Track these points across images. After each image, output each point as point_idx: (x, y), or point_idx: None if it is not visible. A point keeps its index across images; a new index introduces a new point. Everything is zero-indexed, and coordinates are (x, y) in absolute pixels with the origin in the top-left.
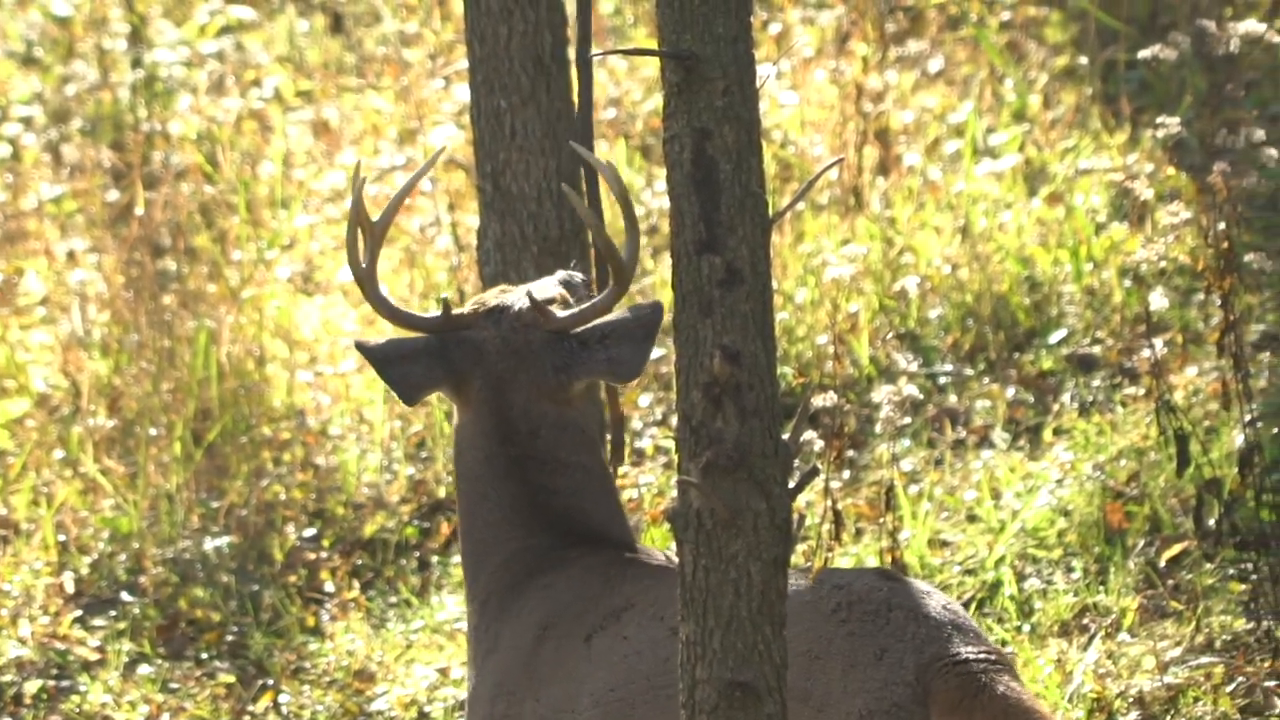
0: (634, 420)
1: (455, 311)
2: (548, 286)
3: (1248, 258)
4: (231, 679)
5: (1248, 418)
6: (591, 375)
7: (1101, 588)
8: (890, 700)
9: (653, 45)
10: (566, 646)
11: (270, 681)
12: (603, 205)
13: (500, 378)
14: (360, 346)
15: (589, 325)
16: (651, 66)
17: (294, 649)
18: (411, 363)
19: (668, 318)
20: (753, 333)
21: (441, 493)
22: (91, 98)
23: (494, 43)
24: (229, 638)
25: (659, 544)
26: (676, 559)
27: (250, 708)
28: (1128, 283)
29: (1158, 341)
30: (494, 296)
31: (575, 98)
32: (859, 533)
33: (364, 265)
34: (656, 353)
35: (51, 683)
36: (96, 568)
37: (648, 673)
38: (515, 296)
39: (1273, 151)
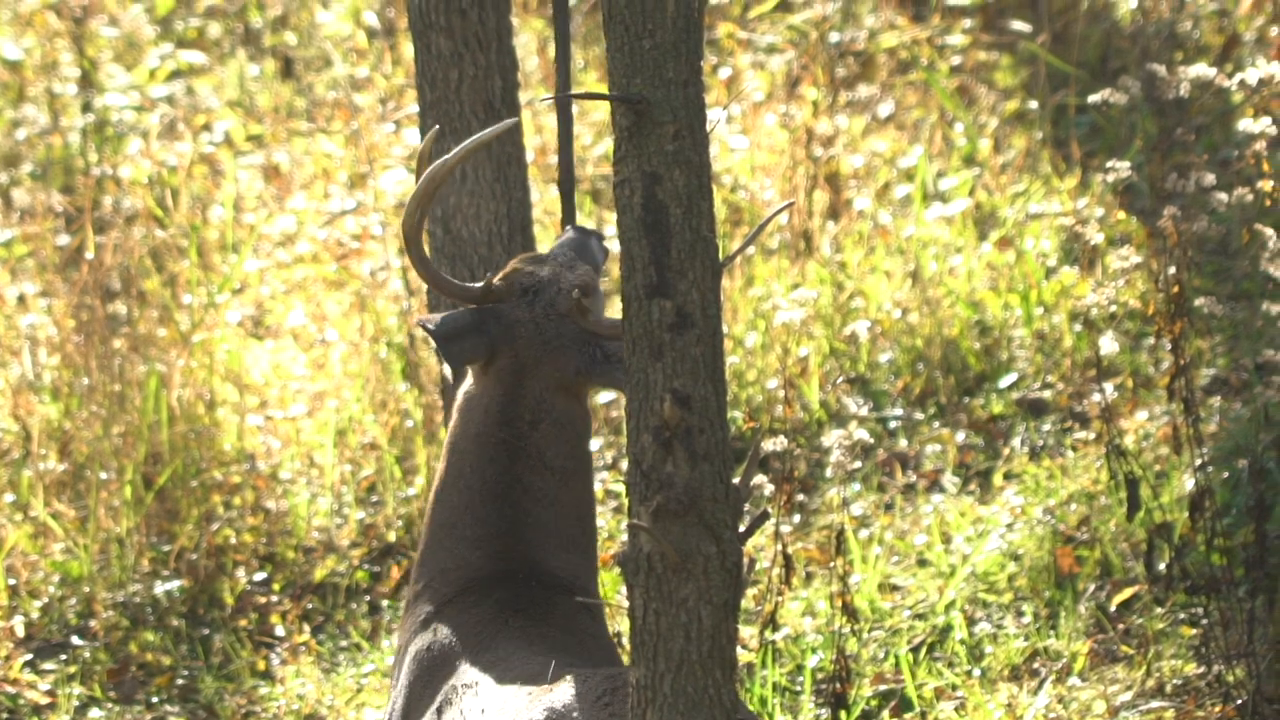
0: None
1: (495, 282)
2: (581, 275)
3: (1198, 302)
4: None
5: (1198, 462)
6: (607, 387)
7: (1052, 632)
8: None
9: (603, 89)
10: (424, 707)
11: None
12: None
13: (524, 361)
14: (423, 324)
15: (620, 339)
16: (602, 110)
17: (245, 693)
18: (463, 339)
19: None
20: (703, 377)
21: (392, 537)
22: (42, 142)
23: (444, 87)
24: (180, 682)
25: (609, 589)
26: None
27: None
28: (1078, 327)
29: (1108, 386)
30: (526, 266)
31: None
32: (809, 577)
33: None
34: (607, 396)
35: None
36: (47, 611)
37: None
38: (548, 274)
39: (1223, 196)
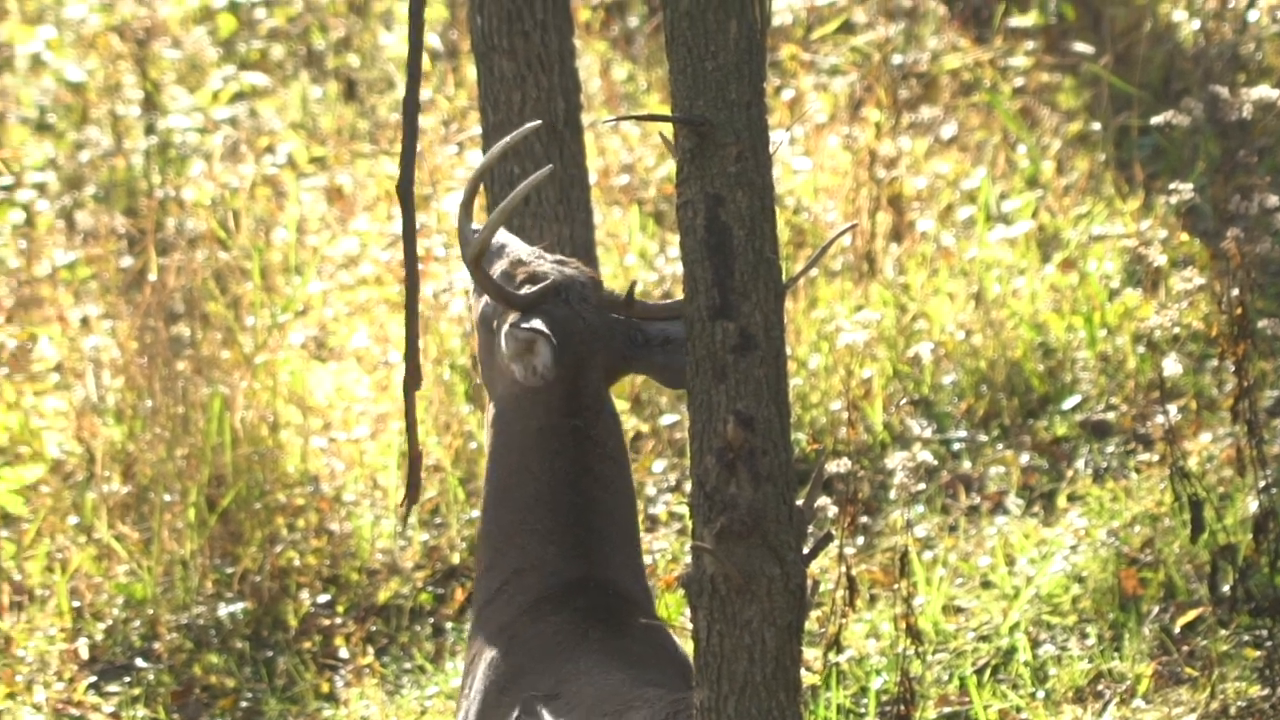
0: (648, 486)
1: (526, 290)
2: (576, 265)
3: (1261, 324)
4: None
5: (1262, 484)
6: (643, 372)
7: (1116, 654)
8: None
9: (666, 111)
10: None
11: None
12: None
13: (581, 356)
14: (536, 330)
15: (657, 325)
16: (665, 132)
17: (309, 715)
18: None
19: None
20: (766, 398)
21: (455, 559)
22: (105, 164)
23: (507, 109)
24: (243, 704)
25: (672, 611)
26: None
27: None
28: (1141, 349)
29: (1171, 408)
30: (532, 269)
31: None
32: (873, 599)
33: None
34: (670, 418)
35: None
36: (111, 634)
37: None
38: (557, 272)
39: None
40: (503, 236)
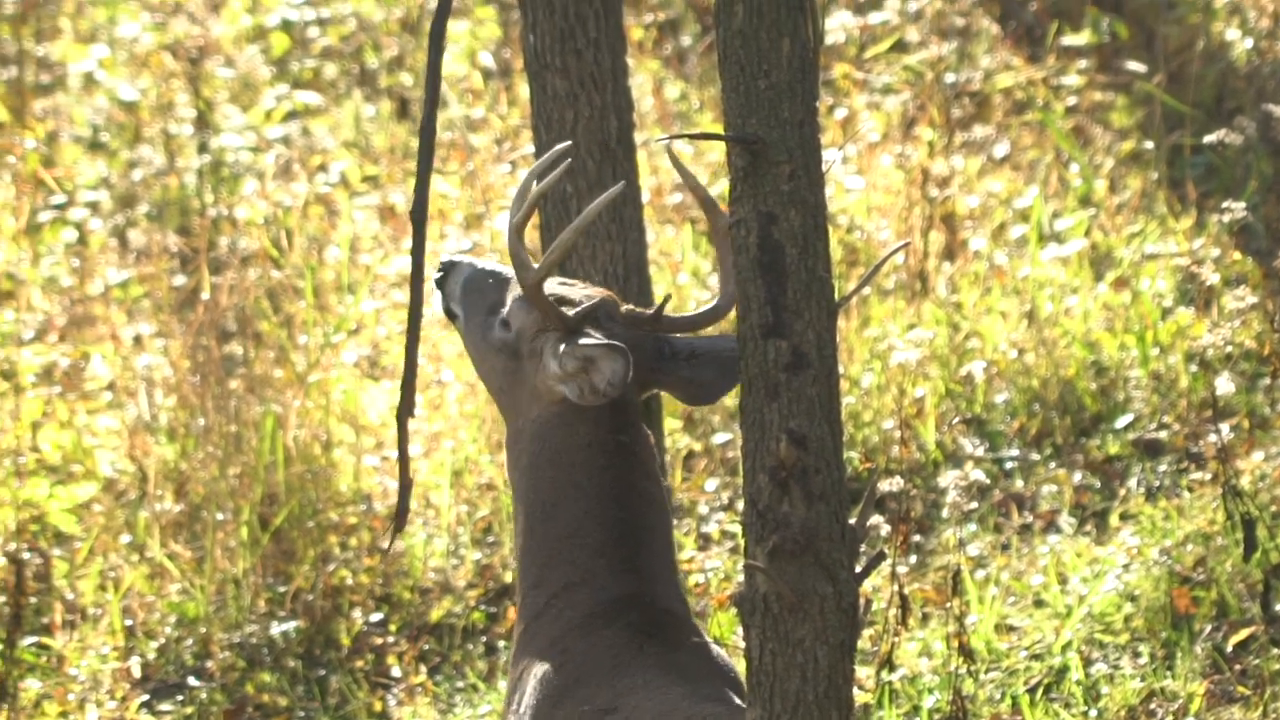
0: (700, 505)
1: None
2: (586, 285)
3: None
4: None
5: None
6: (666, 388)
7: (1168, 673)
8: None
9: (719, 130)
10: None
11: None
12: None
13: None
14: (616, 347)
15: (683, 339)
16: (717, 151)
17: None
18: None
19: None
20: (819, 417)
21: (508, 577)
22: (158, 182)
23: (560, 128)
24: None
25: (725, 629)
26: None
27: None
28: (1194, 367)
29: (1224, 426)
30: (557, 288)
31: (642, 180)
32: (925, 617)
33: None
34: (723, 437)
35: None
36: (163, 652)
37: None
38: (577, 294)
39: None
40: (493, 265)
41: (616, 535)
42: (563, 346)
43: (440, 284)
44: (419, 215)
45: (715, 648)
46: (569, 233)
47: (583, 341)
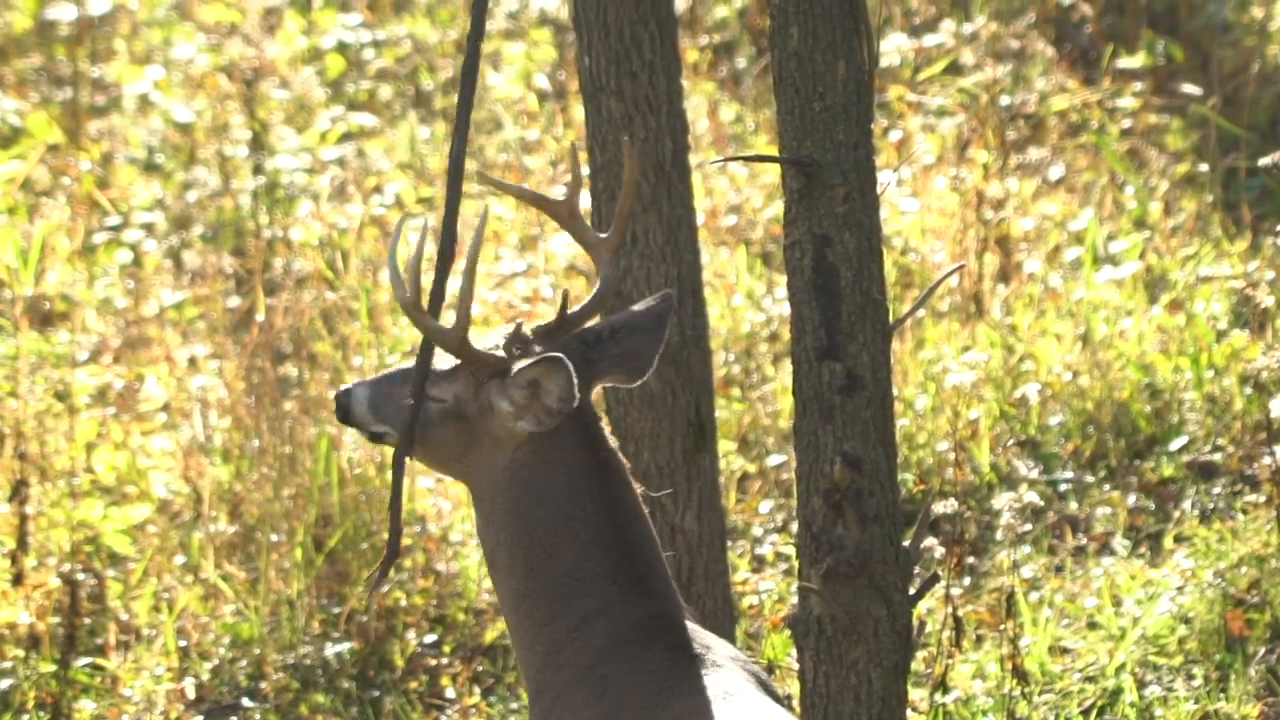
0: (754, 527)
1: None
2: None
3: None
4: None
5: None
6: (607, 376)
7: (1223, 695)
8: None
9: (774, 152)
10: None
11: None
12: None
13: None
14: (549, 357)
15: (595, 324)
16: (772, 173)
17: None
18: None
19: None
20: (873, 439)
21: None
22: (213, 204)
23: (615, 150)
24: None
25: (779, 651)
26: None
27: None
28: (1248, 390)
29: (1279, 449)
30: (470, 350)
31: (697, 202)
32: (979, 639)
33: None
34: (777, 459)
35: None
36: (218, 673)
37: None
38: (500, 330)
39: None
40: (382, 373)
41: (622, 558)
42: (500, 384)
43: (346, 420)
44: (447, 246)
45: (745, 660)
46: (466, 279)
47: (519, 368)
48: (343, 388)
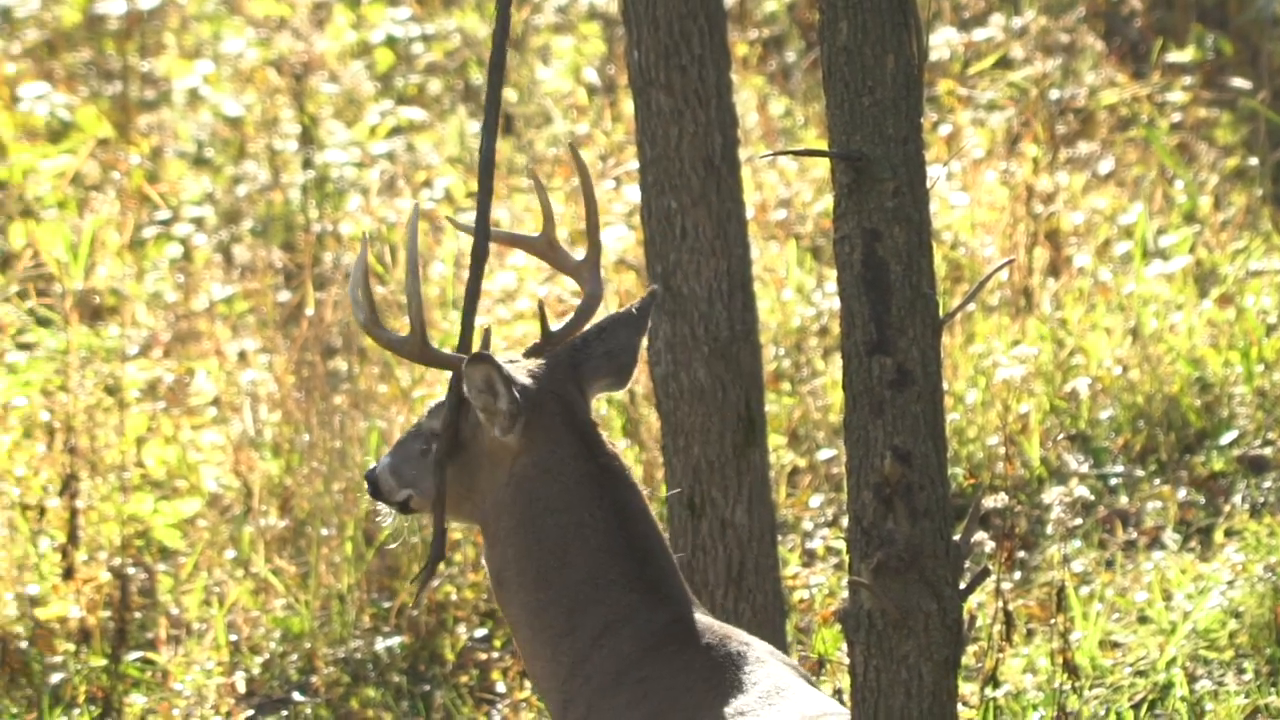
0: (804, 521)
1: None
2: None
3: None
4: None
5: None
6: (599, 376)
7: (1273, 689)
8: None
9: (823, 146)
10: None
11: None
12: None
13: (566, 398)
14: (479, 356)
15: (585, 329)
16: (822, 167)
17: None
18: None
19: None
20: (924, 433)
21: None
22: (263, 198)
23: (664, 144)
24: None
25: (829, 645)
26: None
27: None
28: None
29: None
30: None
31: (747, 196)
32: (1030, 634)
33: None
34: (827, 453)
35: None
36: (268, 667)
37: None
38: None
39: None
40: (396, 442)
41: (635, 563)
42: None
43: (377, 496)
44: (480, 249)
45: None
46: (412, 282)
47: (457, 376)
48: (370, 468)
